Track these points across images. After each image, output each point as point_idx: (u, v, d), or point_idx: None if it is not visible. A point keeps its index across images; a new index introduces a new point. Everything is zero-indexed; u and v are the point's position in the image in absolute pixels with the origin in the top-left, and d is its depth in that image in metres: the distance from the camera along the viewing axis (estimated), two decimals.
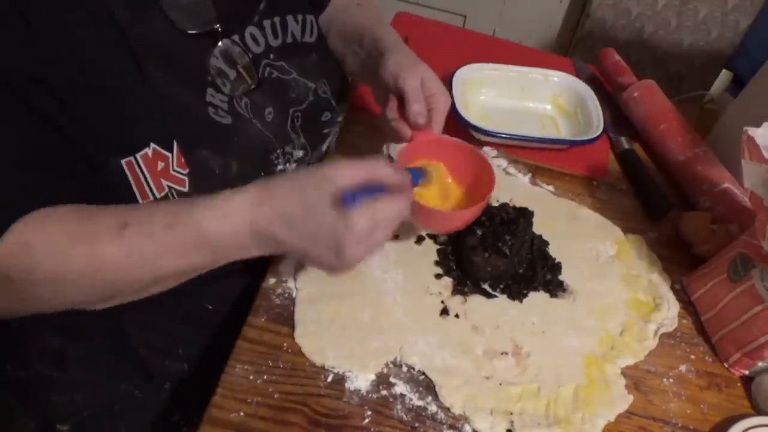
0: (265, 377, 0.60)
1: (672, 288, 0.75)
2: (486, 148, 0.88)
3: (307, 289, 0.67)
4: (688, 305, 0.75)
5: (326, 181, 0.52)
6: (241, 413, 0.57)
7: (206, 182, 0.61)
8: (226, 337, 0.64)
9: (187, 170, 0.60)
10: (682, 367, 0.69)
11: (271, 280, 0.68)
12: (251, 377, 0.60)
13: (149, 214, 0.54)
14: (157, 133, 0.57)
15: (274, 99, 0.68)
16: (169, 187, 0.59)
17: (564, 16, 1.79)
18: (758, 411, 0.66)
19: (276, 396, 0.59)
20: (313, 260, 0.55)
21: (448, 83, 0.89)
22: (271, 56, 0.68)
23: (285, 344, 0.63)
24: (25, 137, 0.52)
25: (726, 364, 0.69)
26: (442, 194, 0.70)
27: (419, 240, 0.74)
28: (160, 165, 0.58)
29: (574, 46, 1.76)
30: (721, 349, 0.70)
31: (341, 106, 0.79)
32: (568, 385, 0.63)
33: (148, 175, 0.57)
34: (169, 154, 0.58)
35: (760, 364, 0.67)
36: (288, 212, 0.52)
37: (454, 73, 0.91)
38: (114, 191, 0.57)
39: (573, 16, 1.77)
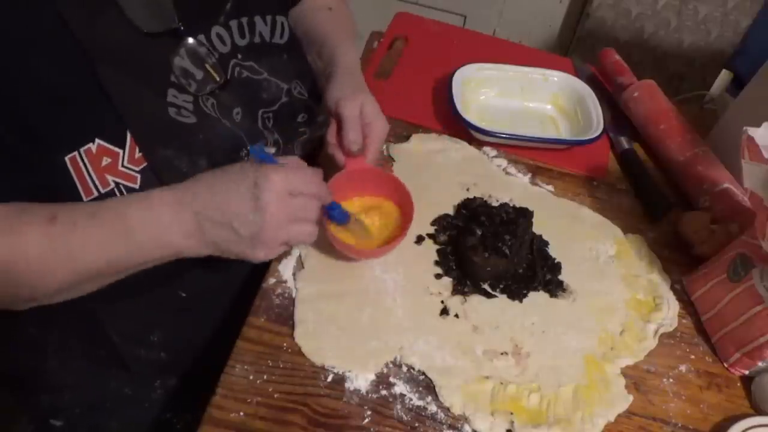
0: (265, 377, 0.60)
1: (672, 288, 0.75)
2: (486, 148, 0.88)
3: (307, 289, 0.67)
4: (688, 305, 0.75)
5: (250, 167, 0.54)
6: (241, 413, 0.57)
7: (174, 180, 0.61)
8: (224, 336, 0.64)
9: (142, 167, 0.60)
10: (682, 367, 0.69)
11: (271, 280, 0.68)
12: (251, 377, 0.60)
13: (75, 207, 0.54)
14: (104, 129, 0.58)
15: (242, 99, 0.69)
16: (116, 183, 0.59)
17: (564, 16, 1.79)
18: (758, 411, 0.66)
19: (276, 396, 0.59)
20: (231, 228, 0.53)
21: (448, 83, 0.89)
22: (239, 56, 0.68)
23: (285, 344, 0.63)
24: None
25: (726, 364, 0.69)
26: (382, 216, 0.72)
27: (419, 240, 0.74)
28: (106, 161, 0.58)
29: (574, 46, 1.76)
30: (721, 349, 0.70)
31: (319, 108, 0.79)
32: (568, 385, 0.63)
33: (91, 171, 0.58)
34: (120, 151, 0.58)
35: (760, 364, 0.67)
36: (211, 184, 0.53)
37: (454, 73, 0.91)
38: (57, 189, 0.57)
39: (573, 15, 1.77)
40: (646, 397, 0.65)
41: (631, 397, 0.64)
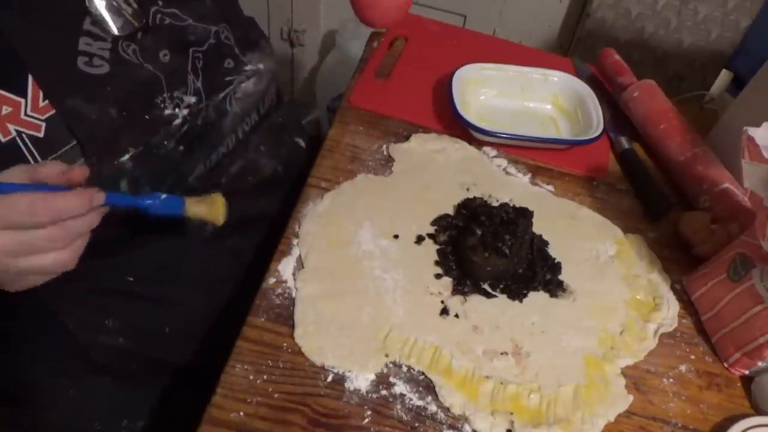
0: (265, 377, 0.60)
1: (672, 288, 0.75)
2: (486, 148, 0.88)
3: (307, 289, 0.67)
4: (688, 305, 0.75)
5: None
6: (241, 413, 0.57)
7: (83, 128, 0.60)
8: (219, 337, 0.64)
9: (48, 114, 0.59)
10: (682, 367, 0.69)
11: (271, 280, 0.68)
12: (251, 377, 0.60)
13: None
14: (2, 78, 0.57)
15: (168, 41, 0.68)
16: (18, 132, 0.58)
17: (564, 16, 1.79)
18: (758, 411, 0.66)
19: (276, 396, 0.59)
20: None
21: (448, 83, 0.89)
22: (160, 3, 0.68)
23: (285, 344, 0.63)
24: None
25: (726, 364, 0.69)
26: None
27: (419, 240, 0.74)
28: (6, 110, 0.57)
29: (574, 46, 1.76)
30: (721, 349, 0.70)
31: (248, 57, 0.78)
32: (568, 385, 0.63)
33: None
34: (21, 99, 0.58)
35: (760, 364, 0.67)
36: None
37: (454, 73, 0.91)
38: None
39: (573, 16, 1.77)
40: (646, 397, 0.65)
41: (631, 397, 0.64)
